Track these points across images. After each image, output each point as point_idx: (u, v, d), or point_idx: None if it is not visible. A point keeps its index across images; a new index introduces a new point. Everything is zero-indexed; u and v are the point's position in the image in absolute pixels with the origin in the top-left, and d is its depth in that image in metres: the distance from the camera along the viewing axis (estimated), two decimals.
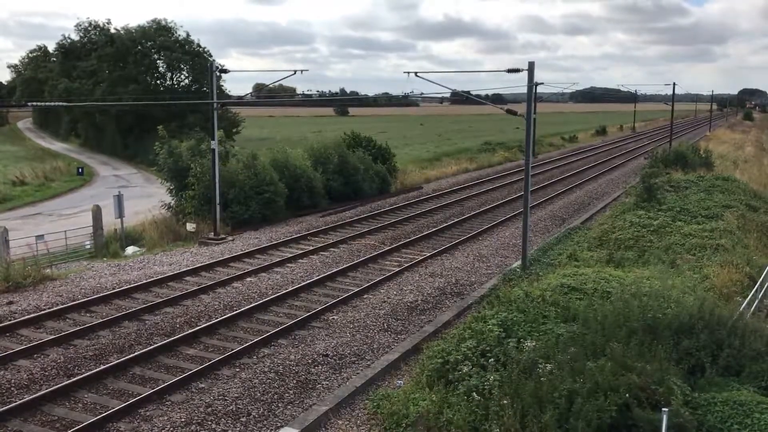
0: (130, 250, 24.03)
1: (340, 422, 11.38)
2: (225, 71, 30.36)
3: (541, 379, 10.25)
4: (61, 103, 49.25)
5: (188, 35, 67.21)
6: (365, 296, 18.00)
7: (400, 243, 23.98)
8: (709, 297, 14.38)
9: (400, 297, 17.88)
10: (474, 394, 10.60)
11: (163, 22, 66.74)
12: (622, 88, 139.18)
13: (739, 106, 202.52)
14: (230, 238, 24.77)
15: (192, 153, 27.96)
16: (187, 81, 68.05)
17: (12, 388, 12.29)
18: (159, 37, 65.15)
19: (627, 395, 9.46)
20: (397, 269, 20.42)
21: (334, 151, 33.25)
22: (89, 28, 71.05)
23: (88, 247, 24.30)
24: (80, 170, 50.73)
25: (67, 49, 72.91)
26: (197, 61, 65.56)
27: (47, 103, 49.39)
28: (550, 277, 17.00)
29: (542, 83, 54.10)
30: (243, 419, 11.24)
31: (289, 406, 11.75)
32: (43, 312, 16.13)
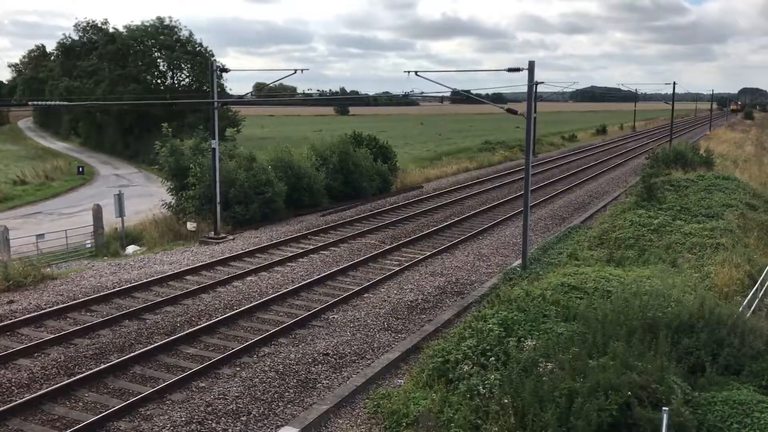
0: (131, 249, 24.04)
1: (341, 421, 11.39)
2: (225, 70, 30.42)
3: (542, 378, 10.25)
4: (61, 103, 49.15)
5: (191, 34, 67.25)
6: (365, 295, 18.01)
7: (401, 242, 23.98)
8: (710, 296, 14.38)
9: (401, 296, 17.88)
10: (476, 391, 10.60)
11: (167, 21, 66.78)
12: (622, 88, 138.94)
13: (727, 107, 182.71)
14: (231, 237, 24.77)
15: (194, 152, 27.96)
16: (187, 80, 68.05)
17: (12, 387, 12.30)
18: (160, 36, 65.14)
19: (628, 394, 9.46)
20: (398, 268, 20.42)
21: (334, 150, 33.26)
22: (87, 28, 71.07)
23: (89, 246, 24.32)
24: (81, 169, 50.74)
25: (67, 48, 72.92)
26: (198, 61, 65.54)
27: (48, 103, 49.30)
28: (550, 276, 17.00)
29: (542, 82, 54.20)
30: (243, 418, 11.25)
31: (289, 405, 11.76)
32: (43, 311, 16.14)
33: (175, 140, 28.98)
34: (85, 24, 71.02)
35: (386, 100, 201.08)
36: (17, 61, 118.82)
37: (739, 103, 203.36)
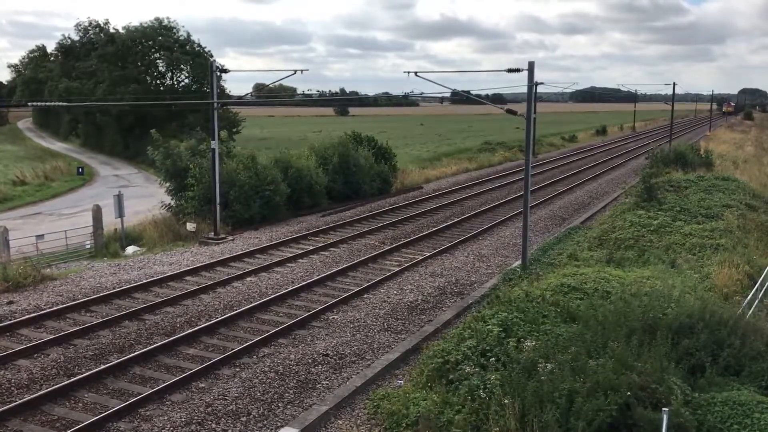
0: (130, 249, 24.03)
1: (341, 422, 11.39)
2: (225, 71, 30.33)
3: (542, 378, 10.25)
4: (61, 103, 49.16)
5: (189, 35, 67.30)
6: (365, 296, 18.00)
7: (401, 242, 23.98)
8: (710, 297, 14.39)
9: (401, 297, 17.88)
10: (476, 392, 10.60)
11: (165, 22, 66.83)
12: (621, 88, 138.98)
13: (719, 108, 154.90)
14: (230, 237, 24.77)
15: (191, 153, 27.94)
16: (187, 81, 68.07)
17: (12, 388, 12.29)
18: (159, 36, 65.17)
19: (627, 394, 9.46)
20: (398, 269, 20.42)
21: (334, 150, 33.28)
22: (89, 28, 71.07)
23: (88, 246, 24.31)
24: (80, 170, 50.68)
25: (67, 49, 72.91)
26: (197, 61, 65.57)
27: (47, 103, 49.28)
28: (550, 276, 17.00)
29: (542, 83, 54.28)
30: (243, 419, 11.24)
31: (289, 406, 11.75)
32: (43, 312, 16.13)
33: (174, 141, 28.94)
34: (86, 24, 71.06)
35: (386, 100, 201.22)
36: (17, 62, 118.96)
37: (733, 104, 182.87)
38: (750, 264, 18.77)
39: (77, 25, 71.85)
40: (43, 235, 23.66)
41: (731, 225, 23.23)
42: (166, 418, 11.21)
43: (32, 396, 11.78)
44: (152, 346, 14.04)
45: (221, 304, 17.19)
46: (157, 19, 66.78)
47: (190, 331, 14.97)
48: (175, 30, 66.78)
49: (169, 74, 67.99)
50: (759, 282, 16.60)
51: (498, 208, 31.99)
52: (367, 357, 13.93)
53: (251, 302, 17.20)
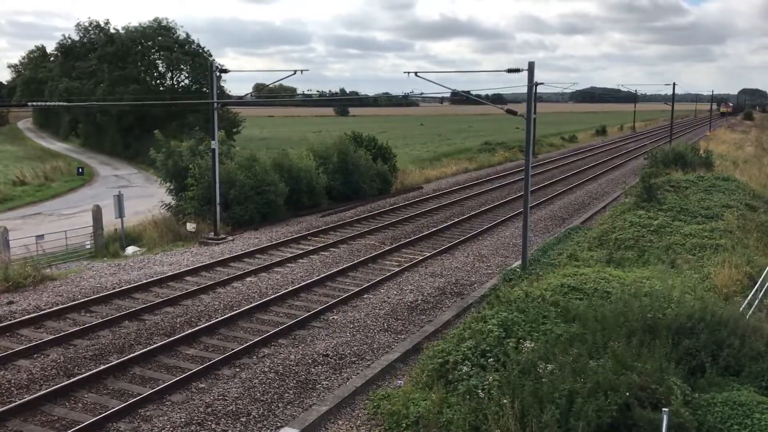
0: (130, 249, 24.04)
1: (340, 422, 11.39)
2: (225, 71, 30.40)
3: (542, 379, 10.24)
4: (61, 103, 49.20)
5: (188, 35, 67.35)
6: (365, 296, 18.00)
7: (401, 243, 23.97)
8: (710, 297, 14.38)
9: (400, 297, 17.88)
10: (475, 392, 10.59)
11: (164, 22, 66.87)
12: (621, 88, 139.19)
13: (719, 108, 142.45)
14: (230, 238, 24.77)
15: (192, 153, 27.95)
16: (187, 81, 68.11)
17: (12, 388, 12.29)
18: (158, 36, 65.21)
19: (627, 395, 9.46)
20: (397, 269, 20.41)
21: (334, 150, 33.29)
22: (89, 28, 71.10)
23: (88, 246, 24.32)
24: (80, 170, 50.71)
25: (67, 49, 72.95)
26: (197, 61, 65.60)
27: (47, 103, 49.35)
28: (550, 277, 16.99)
29: (542, 83, 54.25)
30: (243, 419, 11.24)
31: (289, 406, 11.75)
32: (43, 312, 16.13)
33: (175, 141, 28.96)
34: (87, 24, 71.10)
35: (386, 100, 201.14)
36: (17, 62, 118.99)
37: (731, 104, 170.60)
38: (750, 264, 18.75)
39: (78, 25, 72.00)
40: (43, 235, 23.68)
41: (731, 225, 23.22)
42: (166, 418, 11.21)
43: (32, 396, 11.78)
44: (152, 347, 14.04)
45: (221, 304, 17.19)
46: (156, 19, 66.87)
47: (190, 331, 14.97)
48: (174, 30, 66.85)
49: (169, 74, 68.04)
50: (759, 282, 16.59)
51: (498, 208, 32.00)
52: (366, 357, 13.93)
53: (251, 302, 17.20)
